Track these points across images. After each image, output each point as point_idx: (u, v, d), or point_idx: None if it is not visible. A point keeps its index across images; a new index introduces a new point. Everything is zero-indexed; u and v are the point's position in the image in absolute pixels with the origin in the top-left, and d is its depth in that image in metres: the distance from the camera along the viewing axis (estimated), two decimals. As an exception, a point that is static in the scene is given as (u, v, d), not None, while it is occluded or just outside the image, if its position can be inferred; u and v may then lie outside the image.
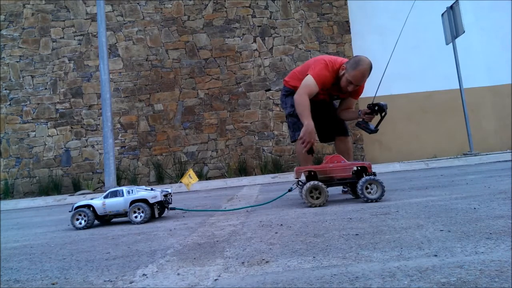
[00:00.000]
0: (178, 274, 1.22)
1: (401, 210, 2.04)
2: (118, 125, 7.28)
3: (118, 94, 7.33)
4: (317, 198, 2.47)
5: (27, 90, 7.31)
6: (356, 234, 1.56)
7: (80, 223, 2.49)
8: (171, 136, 7.32)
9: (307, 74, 2.91)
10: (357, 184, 2.45)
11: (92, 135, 7.29)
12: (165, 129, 7.33)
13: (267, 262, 1.27)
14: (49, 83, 7.34)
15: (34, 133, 7.25)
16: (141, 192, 2.54)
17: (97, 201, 2.54)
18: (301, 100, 2.83)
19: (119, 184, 6.41)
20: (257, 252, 1.41)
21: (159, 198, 2.54)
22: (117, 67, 7.38)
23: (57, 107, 7.31)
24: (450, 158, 6.56)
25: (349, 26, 7.53)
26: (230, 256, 1.39)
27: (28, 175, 7.16)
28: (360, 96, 3.18)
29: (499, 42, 8.09)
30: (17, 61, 7.34)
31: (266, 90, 7.45)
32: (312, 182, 2.47)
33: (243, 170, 7.11)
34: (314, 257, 1.27)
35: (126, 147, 7.29)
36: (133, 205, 2.49)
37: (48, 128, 7.27)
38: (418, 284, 0.93)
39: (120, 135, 7.27)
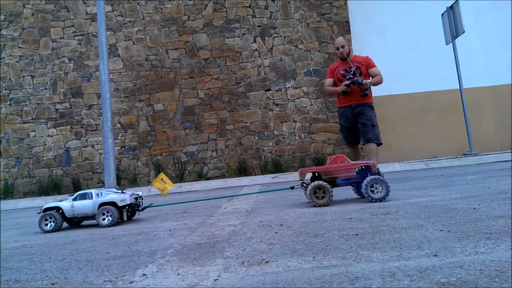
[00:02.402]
0: (178, 274, 1.22)
1: (401, 210, 2.04)
2: (118, 125, 7.27)
3: (118, 94, 7.33)
4: (322, 197, 2.48)
5: (27, 90, 7.30)
6: (356, 234, 1.56)
7: (48, 226, 2.49)
8: (171, 136, 7.32)
9: None
10: (361, 184, 2.45)
11: (92, 135, 7.29)
12: (165, 129, 7.33)
13: (267, 262, 1.26)
14: (49, 83, 7.33)
15: (34, 133, 7.25)
16: (110, 195, 2.53)
17: (66, 203, 2.53)
18: (327, 91, 4.24)
19: (119, 184, 6.41)
20: (257, 252, 1.41)
21: (128, 201, 2.53)
22: (117, 67, 7.38)
23: (57, 107, 7.31)
24: (450, 158, 6.56)
25: (349, 26, 7.53)
26: (230, 256, 1.39)
27: (28, 175, 7.16)
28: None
29: (499, 42, 8.08)
30: (17, 61, 7.34)
31: (266, 90, 7.45)
32: (316, 182, 2.47)
33: (243, 170, 7.11)
34: (314, 257, 1.27)
35: (126, 147, 7.29)
36: (102, 208, 2.48)
37: (48, 128, 7.27)
38: (418, 284, 0.93)
39: (120, 135, 7.27)
